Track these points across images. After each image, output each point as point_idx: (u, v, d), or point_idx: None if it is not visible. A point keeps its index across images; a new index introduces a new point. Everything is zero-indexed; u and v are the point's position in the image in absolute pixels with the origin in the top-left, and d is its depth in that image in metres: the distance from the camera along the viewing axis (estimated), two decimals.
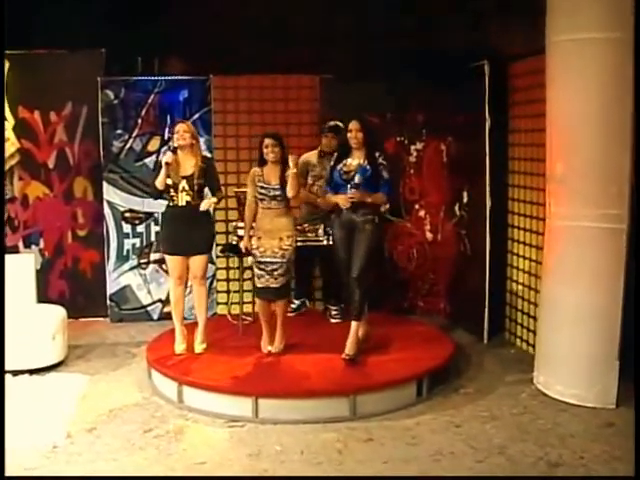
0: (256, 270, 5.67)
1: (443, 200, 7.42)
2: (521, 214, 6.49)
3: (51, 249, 7.50)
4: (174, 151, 5.67)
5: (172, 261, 5.75)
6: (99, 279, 7.49)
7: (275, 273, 5.59)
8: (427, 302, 7.67)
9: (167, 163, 5.59)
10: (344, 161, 5.63)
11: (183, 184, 5.65)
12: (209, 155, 6.64)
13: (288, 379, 5.28)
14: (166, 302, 7.52)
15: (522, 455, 4.54)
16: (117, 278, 7.50)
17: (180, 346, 5.82)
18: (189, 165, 5.68)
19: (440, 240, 7.53)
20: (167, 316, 7.34)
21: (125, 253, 7.51)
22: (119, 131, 7.37)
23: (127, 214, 7.47)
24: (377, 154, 5.60)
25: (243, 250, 5.74)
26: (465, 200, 6.97)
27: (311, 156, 6.61)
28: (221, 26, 7.38)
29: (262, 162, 5.70)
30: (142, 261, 7.52)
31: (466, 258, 6.98)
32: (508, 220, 6.73)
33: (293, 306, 6.92)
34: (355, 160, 5.57)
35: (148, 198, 7.38)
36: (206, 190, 5.87)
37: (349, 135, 5.54)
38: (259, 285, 5.65)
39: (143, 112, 7.36)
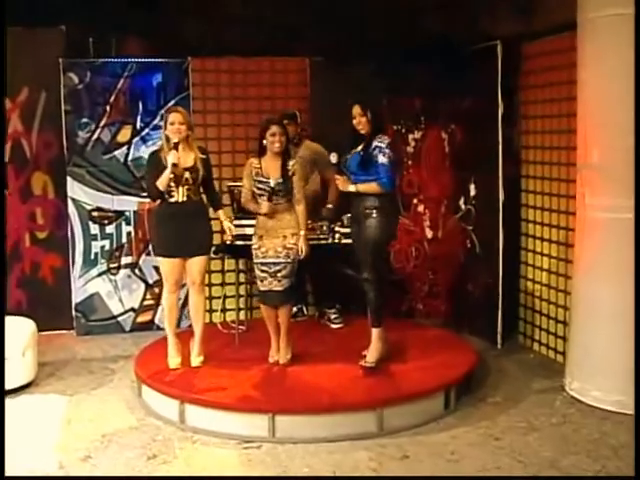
0: (258, 272, 5.51)
1: (444, 194, 7.33)
2: (537, 207, 6.45)
3: (6, 254, 7.12)
4: (176, 147, 5.39)
5: (169, 265, 5.51)
6: (63, 287, 7.18)
7: (279, 275, 5.44)
8: (427, 304, 7.58)
9: (175, 164, 5.33)
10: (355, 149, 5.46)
11: (186, 176, 5.40)
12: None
13: (305, 393, 5.13)
14: (139, 311, 7.27)
15: (577, 469, 4.47)
16: (84, 285, 7.21)
17: (175, 360, 5.58)
18: (188, 157, 5.44)
19: (441, 237, 7.45)
20: (140, 327, 7.21)
21: (93, 257, 7.22)
22: (85, 120, 7.08)
23: (95, 213, 7.18)
24: (378, 137, 5.36)
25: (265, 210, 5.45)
26: (472, 193, 6.87)
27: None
28: (200, 2, 7.12)
29: (261, 152, 5.47)
30: (112, 266, 7.25)
31: (474, 256, 6.91)
32: (521, 214, 6.65)
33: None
34: (359, 146, 5.40)
35: (118, 195, 7.14)
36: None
37: (354, 122, 5.38)
38: (262, 289, 5.49)
39: (112, 98, 7.08)
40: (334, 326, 6.60)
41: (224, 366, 5.58)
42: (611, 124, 5.07)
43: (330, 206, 6.18)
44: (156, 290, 7.31)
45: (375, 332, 5.49)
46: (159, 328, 7.30)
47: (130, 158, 7.17)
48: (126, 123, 7.14)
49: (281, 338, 5.56)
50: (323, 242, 5.96)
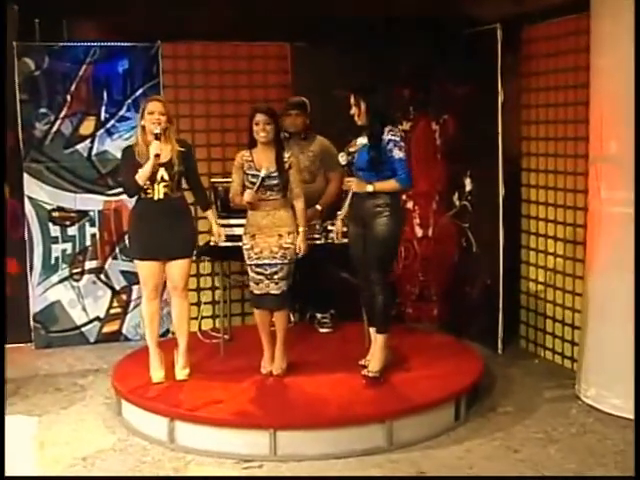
0: (252, 275, 5.44)
1: (436, 189, 7.34)
2: (540, 202, 6.49)
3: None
4: (157, 137, 5.27)
5: (146, 268, 5.38)
6: (19, 295, 7.00)
7: (276, 277, 5.37)
8: (417, 308, 7.58)
9: (157, 155, 5.21)
10: (353, 140, 5.41)
11: (161, 173, 5.29)
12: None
13: (308, 405, 5.07)
14: (106, 320, 7.16)
15: None
16: (43, 293, 7.04)
17: (158, 373, 5.48)
18: (165, 150, 5.32)
19: (433, 236, 7.46)
20: (107, 338, 7.09)
21: (53, 262, 7.05)
22: (43, 110, 6.91)
23: (55, 213, 7.02)
24: (387, 129, 5.31)
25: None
26: (468, 188, 6.88)
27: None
28: None
29: (252, 144, 5.40)
30: (75, 271, 7.08)
31: (470, 255, 6.92)
32: (522, 210, 6.68)
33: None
34: (362, 138, 5.37)
35: (81, 193, 6.99)
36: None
37: (351, 112, 5.34)
38: (256, 292, 5.42)
39: (73, 87, 6.92)
40: (323, 330, 6.58)
41: (213, 379, 5.48)
42: (630, 113, 5.09)
43: (319, 207, 6.09)
44: (123, 297, 7.19)
45: (380, 339, 5.45)
46: (127, 339, 7.21)
47: (94, 152, 7.02)
48: (89, 114, 6.99)
49: (277, 346, 5.49)
50: (317, 242, 5.84)
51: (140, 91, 7.06)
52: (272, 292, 5.38)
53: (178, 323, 5.53)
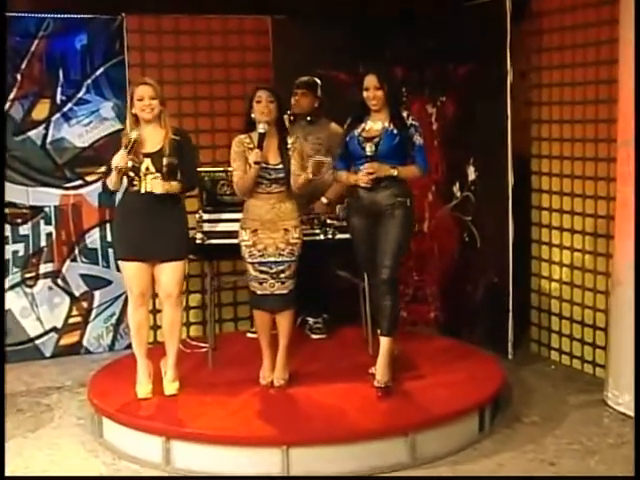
0: (255, 274, 5.42)
1: (432, 179, 7.37)
2: (553, 192, 6.56)
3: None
4: (130, 149, 5.19)
5: (133, 271, 5.31)
6: None
7: (282, 276, 5.38)
8: (412, 311, 7.62)
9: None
10: (361, 125, 5.43)
11: (146, 164, 5.21)
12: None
13: (321, 419, 5.05)
14: (64, 331, 7.05)
15: None
16: None
17: (145, 388, 5.42)
18: (155, 139, 5.25)
19: (428, 231, 7.49)
20: (65, 351, 7.02)
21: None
22: None
23: (5, 210, 6.83)
24: (405, 113, 5.50)
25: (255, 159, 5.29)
26: (471, 177, 6.92)
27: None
28: None
29: (250, 127, 5.38)
30: (28, 276, 6.95)
31: (473, 251, 6.96)
32: (532, 200, 6.75)
33: None
34: (377, 123, 5.39)
35: (35, 186, 6.89)
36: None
37: (366, 95, 5.39)
38: (259, 292, 5.41)
39: (23, 65, 6.78)
40: (315, 337, 6.60)
41: (206, 392, 5.43)
42: None
43: (325, 201, 6.08)
44: (84, 304, 7.10)
45: (386, 343, 5.47)
46: (88, 351, 7.12)
47: (49, 140, 6.90)
48: (43, 96, 6.86)
49: (279, 353, 5.47)
50: (316, 238, 5.84)
51: (101, 70, 6.97)
52: (278, 292, 5.38)
53: (169, 333, 5.46)
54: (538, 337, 6.83)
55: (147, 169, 5.24)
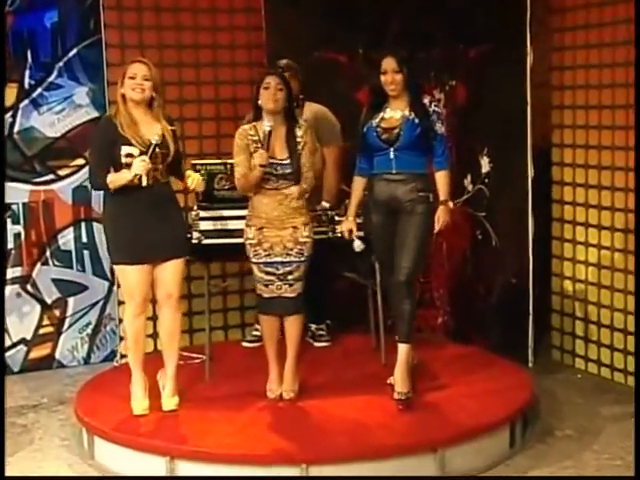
0: (261, 275, 5.44)
1: None
2: (577, 184, 6.62)
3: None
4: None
5: (136, 276, 5.27)
6: None
7: (290, 277, 5.40)
8: (418, 316, 7.55)
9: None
10: (380, 114, 5.46)
11: (155, 151, 5.18)
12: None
13: (340, 434, 5.05)
14: (34, 343, 7.01)
15: None
16: None
17: (142, 403, 5.40)
18: (150, 127, 5.23)
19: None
20: (35, 365, 6.98)
21: None
22: None
23: None
24: (427, 100, 5.56)
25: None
26: (485, 169, 6.95)
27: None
28: None
29: (257, 116, 5.42)
30: None
31: (488, 250, 6.98)
32: (553, 194, 6.80)
33: (257, 333, 6.63)
34: (396, 111, 5.43)
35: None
36: None
37: (384, 79, 5.42)
38: (266, 296, 5.43)
39: None
40: (318, 344, 6.64)
41: (208, 407, 5.43)
42: None
43: (327, 205, 6.09)
44: (56, 313, 7.05)
45: (404, 350, 5.52)
46: (62, 365, 7.06)
47: (17, 129, 6.85)
48: (9, 80, 6.79)
49: (287, 363, 5.50)
50: (323, 237, 5.84)
51: (74, 51, 6.94)
52: (286, 295, 5.40)
53: (168, 340, 5.44)
54: (561, 343, 6.88)
55: (156, 156, 5.19)
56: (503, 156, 6.79)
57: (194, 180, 5.34)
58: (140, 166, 5.09)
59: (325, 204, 6.13)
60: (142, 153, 5.13)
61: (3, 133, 6.69)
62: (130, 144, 5.16)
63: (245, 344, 6.73)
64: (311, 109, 6.32)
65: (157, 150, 5.16)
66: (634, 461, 4.80)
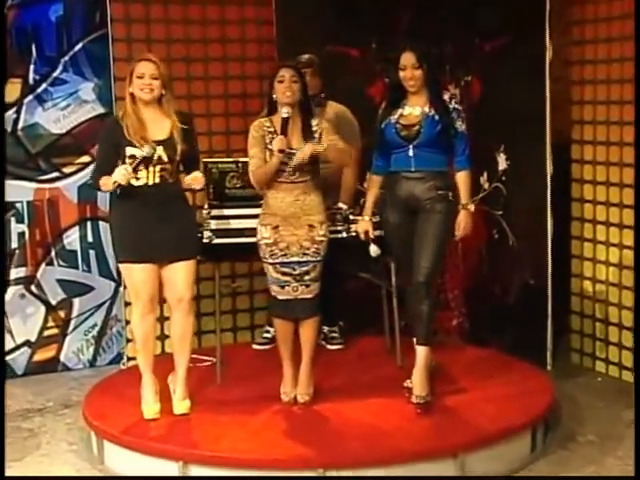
0: (276, 276, 5.44)
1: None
2: (598, 182, 6.61)
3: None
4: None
5: (141, 274, 5.28)
6: None
7: (307, 278, 5.40)
8: None
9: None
10: (398, 111, 5.47)
11: (159, 153, 5.21)
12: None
13: (358, 439, 5.05)
14: (38, 345, 7.02)
15: None
16: None
17: (153, 407, 5.40)
18: (160, 126, 5.25)
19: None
20: (40, 368, 6.99)
21: None
22: None
23: None
24: (447, 96, 5.57)
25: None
26: (502, 167, 6.95)
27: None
28: None
29: (272, 110, 5.42)
30: None
31: (505, 250, 6.98)
32: (572, 192, 6.80)
33: (268, 335, 6.65)
34: (415, 107, 5.44)
35: (6, 179, 6.82)
36: None
37: (402, 74, 5.43)
38: (280, 297, 5.43)
39: None
40: (331, 347, 6.65)
41: (220, 411, 5.43)
42: None
43: (345, 206, 6.07)
44: (61, 314, 7.06)
45: (422, 353, 5.52)
46: (67, 368, 7.07)
47: (21, 126, 6.87)
48: (13, 75, 6.82)
49: (302, 366, 5.50)
50: (338, 236, 5.84)
51: (80, 46, 6.96)
52: (302, 296, 5.40)
53: (180, 344, 5.45)
54: (580, 346, 6.88)
55: (159, 159, 5.20)
56: (521, 153, 6.79)
57: (194, 178, 5.29)
58: (120, 175, 5.10)
59: (342, 205, 6.10)
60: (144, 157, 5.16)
61: (3, 132, 6.68)
62: (134, 146, 5.18)
63: (256, 346, 6.73)
64: (333, 109, 6.32)
65: (158, 154, 5.21)
66: (634, 461, 4.86)
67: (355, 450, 4.96)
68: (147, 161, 5.20)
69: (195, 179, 5.29)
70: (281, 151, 5.22)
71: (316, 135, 5.37)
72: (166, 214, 5.27)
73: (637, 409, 5.60)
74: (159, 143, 5.22)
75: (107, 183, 5.20)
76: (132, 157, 5.18)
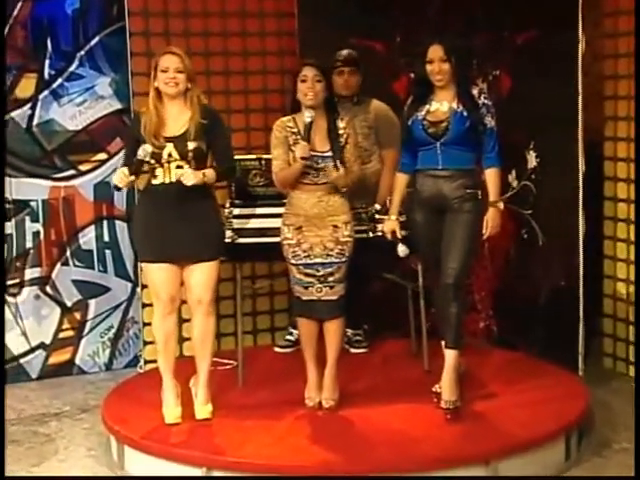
0: (300, 277, 5.47)
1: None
2: (632, 180, 6.60)
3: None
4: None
5: (159, 273, 5.32)
6: None
7: (331, 279, 5.43)
8: None
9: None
10: (425, 107, 5.49)
11: (169, 150, 5.20)
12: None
13: (385, 445, 5.07)
14: (53, 348, 7.06)
15: None
16: None
17: (174, 411, 5.43)
18: (182, 121, 5.26)
19: None
20: (55, 371, 7.03)
21: None
22: None
23: None
24: (476, 90, 5.57)
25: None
26: (532, 164, 6.94)
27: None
28: None
29: (295, 108, 5.46)
30: (11, 282, 6.94)
31: (535, 250, 6.97)
32: (605, 191, 6.79)
33: (291, 338, 6.68)
34: (443, 103, 5.45)
35: (20, 177, 6.88)
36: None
37: (429, 68, 5.44)
38: (304, 298, 5.47)
39: (5, 32, 6.76)
40: (355, 351, 6.67)
41: (243, 415, 5.46)
42: None
43: (378, 207, 6.07)
44: (77, 316, 7.10)
45: (451, 356, 5.53)
46: (82, 371, 7.10)
47: (36, 122, 6.91)
48: (28, 70, 6.87)
49: (327, 369, 5.53)
50: (363, 236, 5.85)
51: (96, 40, 7.00)
52: (326, 298, 5.43)
53: (201, 346, 5.47)
54: (613, 350, 6.87)
55: (170, 155, 5.23)
56: (552, 150, 6.77)
57: (182, 174, 5.23)
58: (118, 178, 5.16)
59: (377, 206, 6.11)
60: (154, 153, 5.19)
61: (3, 132, 6.70)
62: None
63: (277, 349, 6.74)
64: (374, 108, 6.37)
65: (168, 151, 5.24)
66: (634, 461, 4.87)
67: (383, 457, 4.97)
68: (158, 158, 5.22)
69: (183, 174, 5.20)
70: (304, 158, 5.24)
71: (342, 139, 5.37)
72: (187, 213, 5.29)
73: (637, 409, 5.64)
74: (170, 140, 5.24)
75: (118, 181, 5.26)
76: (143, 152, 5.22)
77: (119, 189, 5.44)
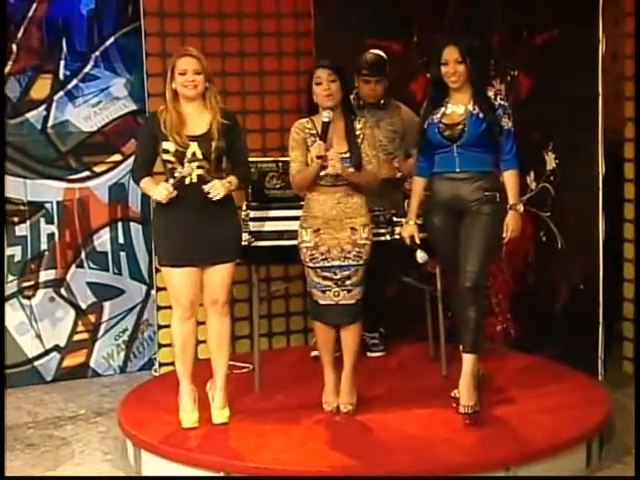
0: (317, 280, 5.49)
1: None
2: None
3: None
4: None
5: (181, 278, 5.35)
6: None
7: (348, 283, 5.45)
8: None
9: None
10: (441, 110, 5.51)
11: (193, 149, 5.23)
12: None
13: (404, 451, 5.10)
14: (68, 350, 7.10)
15: None
16: None
17: (191, 416, 5.46)
18: (201, 121, 5.29)
19: None
20: (69, 374, 7.07)
21: None
22: None
23: None
24: (492, 92, 5.60)
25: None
26: (551, 166, 6.95)
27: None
28: None
29: (312, 110, 5.48)
30: (26, 284, 7.00)
31: (553, 253, 6.98)
32: (625, 193, 6.80)
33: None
34: (459, 105, 5.47)
35: (35, 178, 6.92)
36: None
37: (444, 70, 5.47)
38: (322, 302, 5.48)
39: (20, 33, 6.83)
40: (372, 355, 6.70)
41: (261, 420, 5.50)
42: None
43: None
44: (91, 318, 7.14)
45: (469, 361, 5.54)
46: (97, 374, 7.14)
47: (51, 123, 6.96)
48: (43, 71, 6.92)
49: (345, 374, 5.56)
50: (381, 239, 5.89)
51: (111, 40, 7.05)
52: (344, 302, 5.45)
53: (216, 348, 5.51)
54: (633, 354, 6.84)
55: (193, 155, 5.24)
56: (571, 152, 6.77)
57: (212, 186, 5.27)
58: (161, 194, 5.24)
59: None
60: (177, 151, 5.23)
61: (3, 132, 6.72)
62: (169, 140, 5.27)
63: (315, 353, 6.66)
64: (400, 113, 6.41)
65: (192, 150, 5.27)
66: (634, 461, 4.99)
67: (401, 461, 4.99)
68: (181, 157, 5.25)
69: (212, 187, 5.25)
70: (320, 157, 5.25)
71: (359, 139, 5.39)
72: (207, 215, 5.32)
73: (637, 408, 5.66)
74: (194, 139, 5.27)
75: (147, 190, 5.37)
76: (166, 152, 5.27)
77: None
